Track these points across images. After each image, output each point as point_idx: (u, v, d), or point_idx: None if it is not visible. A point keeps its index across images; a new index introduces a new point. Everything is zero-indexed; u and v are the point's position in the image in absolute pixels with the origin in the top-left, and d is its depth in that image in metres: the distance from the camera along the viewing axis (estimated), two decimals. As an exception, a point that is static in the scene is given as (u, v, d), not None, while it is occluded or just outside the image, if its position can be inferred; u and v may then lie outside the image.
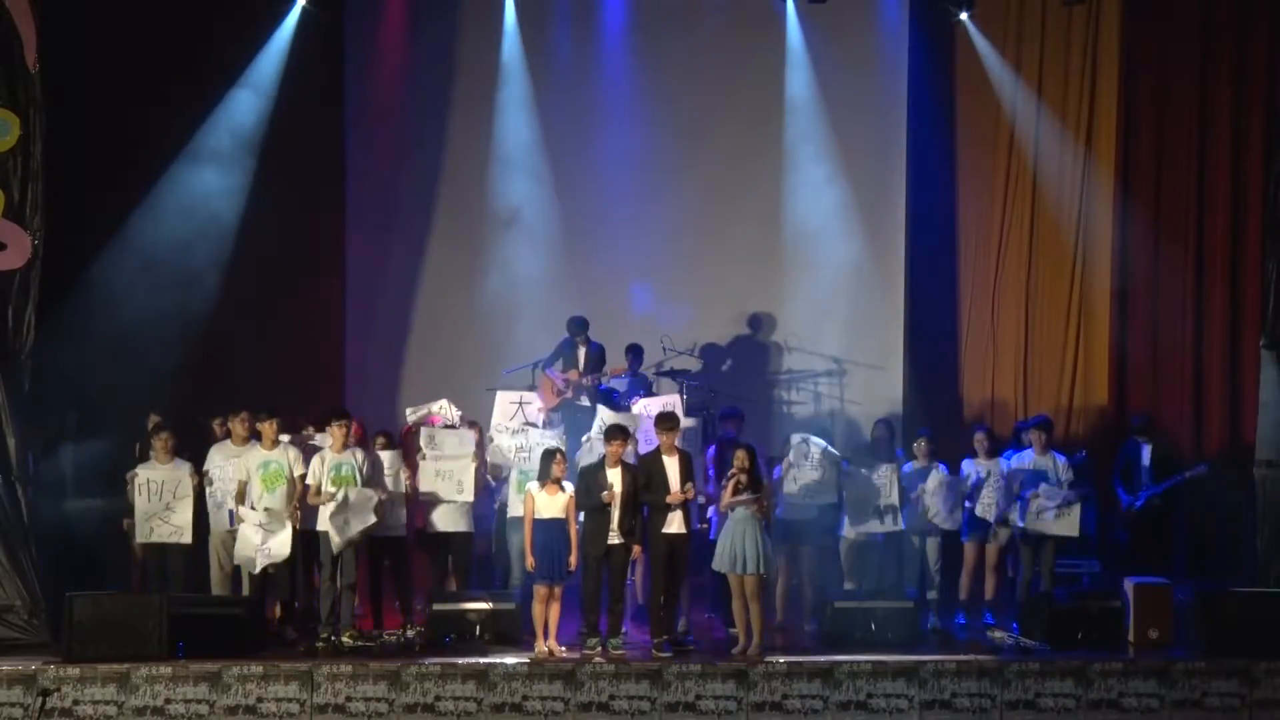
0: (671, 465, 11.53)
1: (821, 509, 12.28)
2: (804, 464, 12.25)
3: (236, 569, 11.99)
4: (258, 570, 11.62)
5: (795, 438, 12.50)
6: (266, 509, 11.58)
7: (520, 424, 12.68)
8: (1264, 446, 12.93)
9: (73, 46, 13.06)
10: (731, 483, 11.37)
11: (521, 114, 15.40)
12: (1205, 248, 14.84)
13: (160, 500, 11.79)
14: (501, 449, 12.43)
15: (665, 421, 11.67)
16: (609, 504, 11.33)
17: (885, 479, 12.32)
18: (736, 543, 11.32)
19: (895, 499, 12.30)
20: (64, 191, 12.40)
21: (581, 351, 13.93)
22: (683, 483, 11.48)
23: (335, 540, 11.54)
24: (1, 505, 11.61)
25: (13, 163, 11.80)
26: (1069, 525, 12.49)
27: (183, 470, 11.89)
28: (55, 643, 11.26)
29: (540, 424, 12.76)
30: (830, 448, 12.41)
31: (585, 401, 13.52)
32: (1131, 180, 15.10)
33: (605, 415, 12.56)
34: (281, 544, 11.58)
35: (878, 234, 15.35)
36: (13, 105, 11.79)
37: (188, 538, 11.84)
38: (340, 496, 11.52)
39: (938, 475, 12.45)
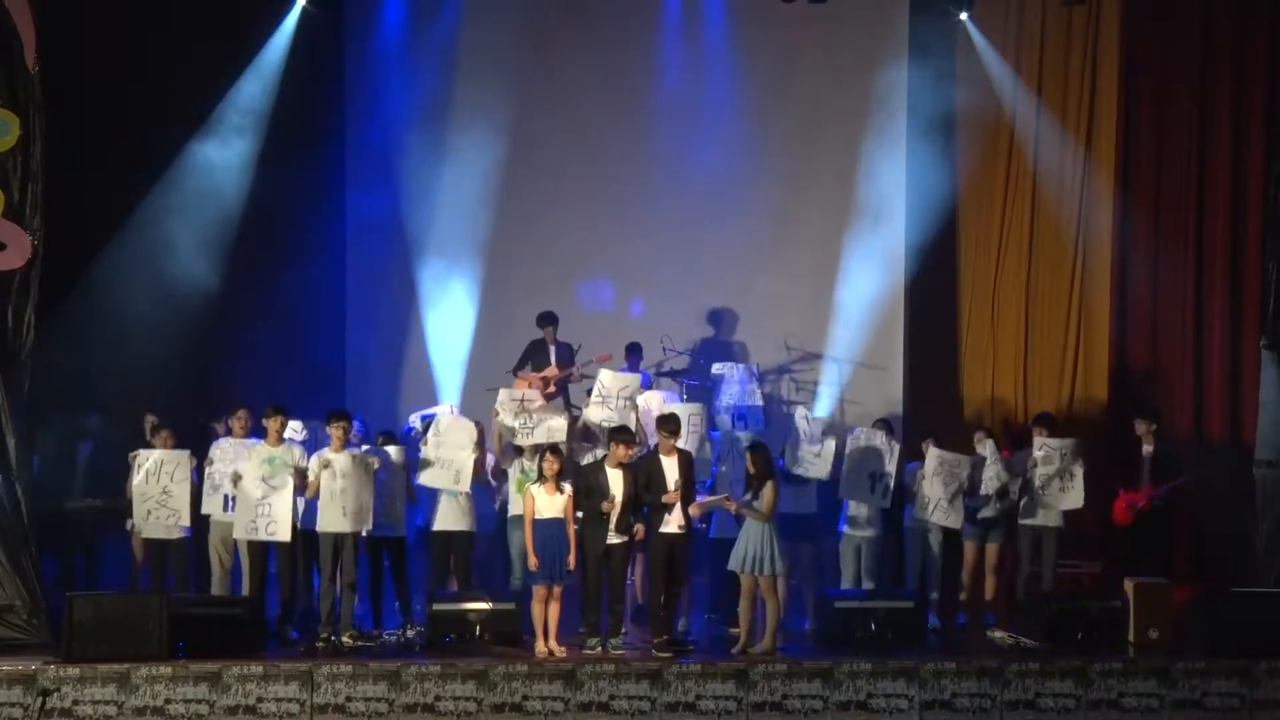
0: (670, 465, 11.53)
1: (821, 504, 12.27)
2: (802, 442, 12.27)
3: (236, 567, 12.01)
4: (260, 538, 11.60)
5: (798, 412, 12.56)
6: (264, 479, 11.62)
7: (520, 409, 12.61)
8: (1264, 446, 12.91)
9: (73, 46, 13.05)
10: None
11: (521, 113, 15.38)
12: (1205, 248, 14.85)
13: (158, 483, 11.80)
14: (505, 423, 12.35)
15: (667, 424, 11.67)
16: (608, 514, 11.34)
17: (885, 447, 12.31)
18: (745, 544, 11.34)
19: (891, 469, 12.26)
20: (64, 191, 12.39)
21: (550, 350, 13.96)
22: (682, 482, 11.50)
23: (330, 518, 11.51)
24: (1, 505, 11.60)
25: (13, 163, 11.78)
26: (1075, 498, 12.49)
27: (183, 454, 11.90)
28: (55, 643, 11.24)
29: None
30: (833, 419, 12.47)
31: (560, 401, 13.52)
32: (1131, 180, 15.10)
33: (605, 379, 12.57)
34: (283, 505, 11.56)
35: (878, 234, 15.34)
36: (13, 105, 11.77)
37: (185, 521, 11.85)
38: (337, 466, 11.50)
39: (934, 454, 12.39)
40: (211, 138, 14.46)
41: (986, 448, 12.50)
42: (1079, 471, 12.49)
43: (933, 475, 12.32)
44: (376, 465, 11.71)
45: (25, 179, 11.79)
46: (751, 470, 11.48)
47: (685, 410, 12.54)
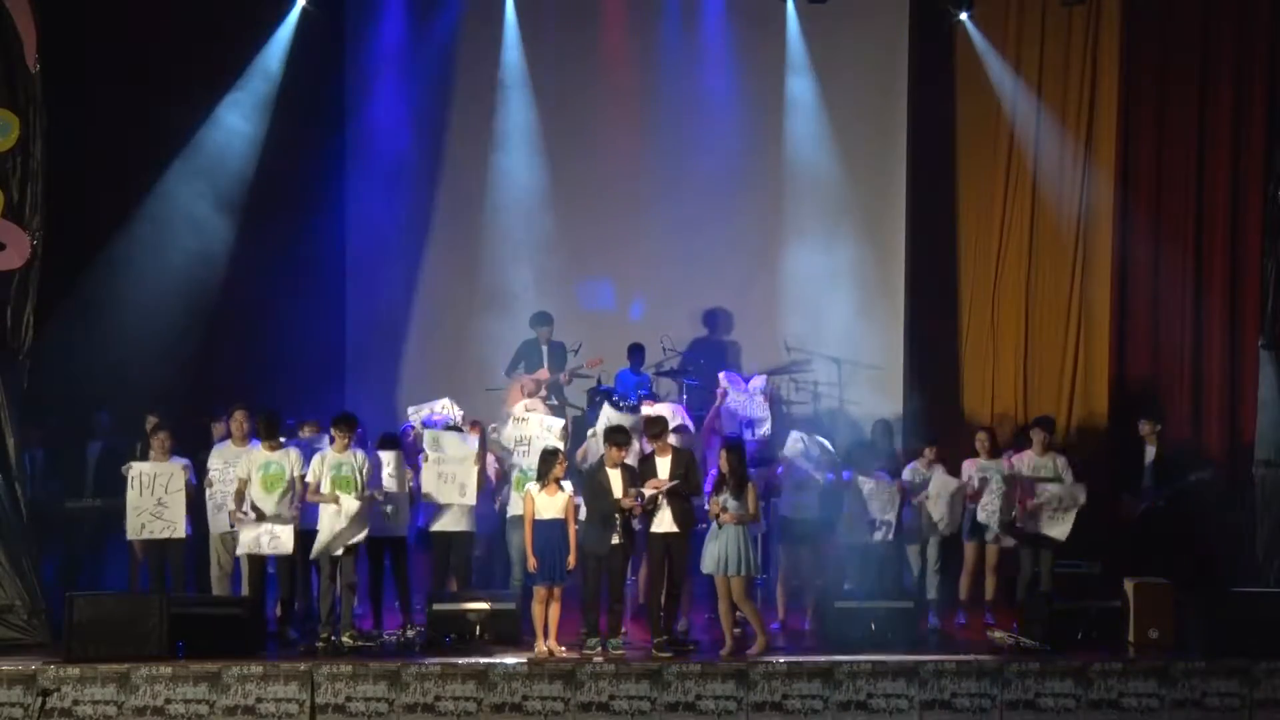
0: (663, 465, 11.54)
1: (823, 506, 12.28)
2: (804, 463, 12.26)
3: (236, 568, 12.01)
4: (263, 551, 11.59)
5: (794, 435, 12.51)
6: (266, 513, 11.56)
7: (523, 412, 12.60)
8: (1263, 446, 12.92)
9: (73, 46, 13.06)
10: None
11: (521, 113, 15.41)
12: (1205, 248, 14.85)
13: (152, 495, 11.78)
14: (503, 438, 12.40)
15: (652, 426, 11.71)
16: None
17: (887, 496, 12.32)
18: (722, 545, 11.32)
19: (893, 516, 12.29)
20: (64, 191, 12.40)
21: (544, 350, 13.95)
22: (672, 480, 11.46)
23: (321, 543, 11.50)
24: (1, 505, 11.60)
25: (12, 163, 11.80)
26: (1061, 530, 12.50)
27: (176, 465, 11.89)
28: (55, 643, 11.26)
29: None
30: (830, 448, 12.42)
31: (554, 401, 13.50)
32: (1131, 180, 15.10)
33: (610, 414, 12.59)
34: (286, 528, 11.57)
35: (878, 234, 15.36)
36: (13, 105, 11.79)
37: (181, 532, 11.84)
38: (339, 507, 11.48)
39: (941, 479, 12.42)
40: (211, 139, 14.46)
41: (990, 483, 12.43)
42: (1074, 513, 12.49)
43: (937, 497, 12.37)
44: (372, 496, 11.64)
45: (25, 179, 11.81)
46: (724, 469, 11.44)
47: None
